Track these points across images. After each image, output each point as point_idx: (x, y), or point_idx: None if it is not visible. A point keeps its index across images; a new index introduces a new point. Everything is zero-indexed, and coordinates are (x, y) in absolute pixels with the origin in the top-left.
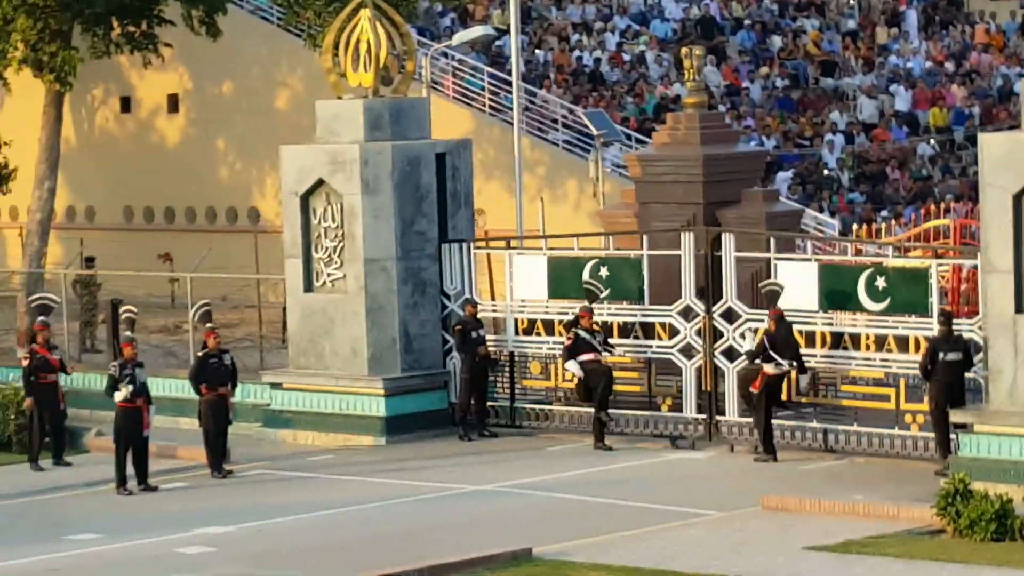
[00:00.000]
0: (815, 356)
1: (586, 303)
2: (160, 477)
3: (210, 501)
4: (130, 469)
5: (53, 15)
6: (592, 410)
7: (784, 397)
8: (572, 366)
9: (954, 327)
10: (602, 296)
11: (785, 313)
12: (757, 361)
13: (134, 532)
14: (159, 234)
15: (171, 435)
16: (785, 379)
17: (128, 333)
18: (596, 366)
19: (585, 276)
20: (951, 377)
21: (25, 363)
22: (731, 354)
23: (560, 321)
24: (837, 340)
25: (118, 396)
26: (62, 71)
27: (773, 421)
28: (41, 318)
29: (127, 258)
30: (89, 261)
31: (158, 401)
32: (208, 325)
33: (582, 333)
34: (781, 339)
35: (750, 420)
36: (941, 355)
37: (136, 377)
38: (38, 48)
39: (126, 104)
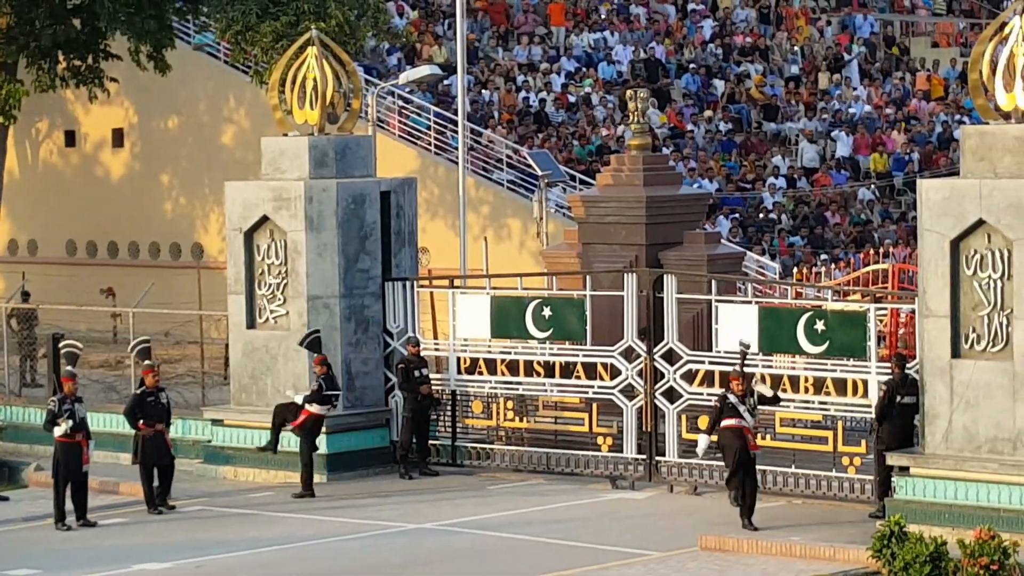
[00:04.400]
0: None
1: (736, 368)
2: (99, 513)
3: (149, 537)
4: (69, 504)
5: None
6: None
7: None
8: (701, 440)
9: (907, 370)
10: (748, 351)
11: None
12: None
13: (73, 568)
14: (102, 268)
15: (111, 471)
16: None
17: (69, 368)
18: (730, 435)
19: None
20: (905, 420)
21: None
22: (672, 395)
23: (503, 360)
24: (776, 383)
25: (57, 431)
26: (7, 104)
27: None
28: None
29: (70, 292)
30: (24, 296)
31: (99, 436)
32: (146, 362)
33: (731, 398)
34: (332, 383)
35: (691, 461)
36: (899, 398)
37: (76, 412)
38: None
39: (71, 138)
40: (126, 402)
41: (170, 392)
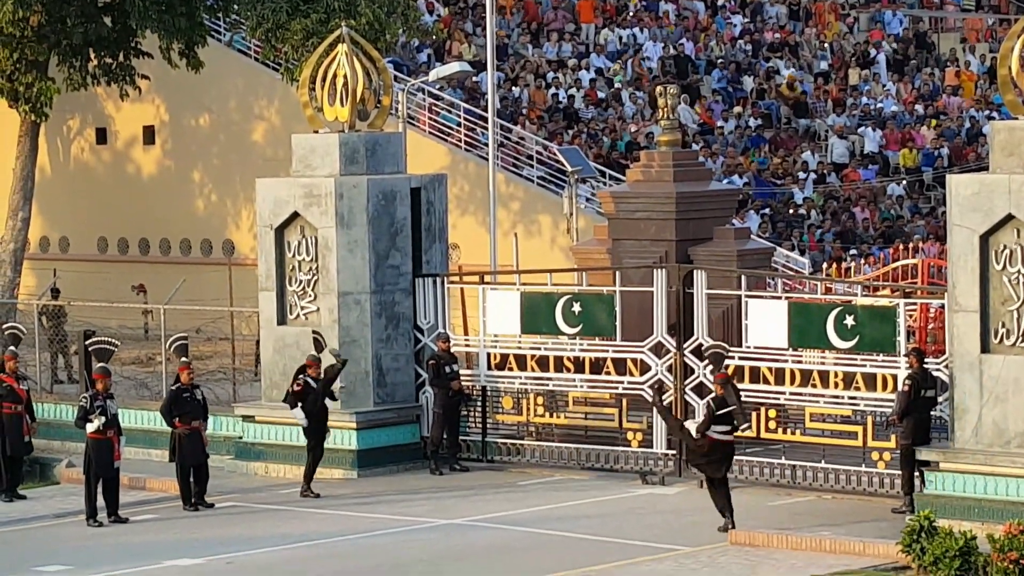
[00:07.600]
0: (784, 393)
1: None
2: (131, 509)
3: (180, 533)
4: (100, 500)
5: (30, 46)
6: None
7: None
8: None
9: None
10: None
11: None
12: None
13: (104, 564)
14: (133, 265)
15: (142, 467)
16: None
17: (102, 364)
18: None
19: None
20: (926, 413)
21: None
22: (702, 390)
23: (533, 356)
24: (806, 377)
25: (89, 427)
26: (38, 102)
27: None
28: (10, 348)
29: (101, 289)
30: (55, 292)
31: (129, 433)
32: (183, 359)
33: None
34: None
35: None
36: (923, 391)
37: (107, 408)
38: (14, 78)
39: (102, 135)
40: (161, 399)
41: (202, 388)
